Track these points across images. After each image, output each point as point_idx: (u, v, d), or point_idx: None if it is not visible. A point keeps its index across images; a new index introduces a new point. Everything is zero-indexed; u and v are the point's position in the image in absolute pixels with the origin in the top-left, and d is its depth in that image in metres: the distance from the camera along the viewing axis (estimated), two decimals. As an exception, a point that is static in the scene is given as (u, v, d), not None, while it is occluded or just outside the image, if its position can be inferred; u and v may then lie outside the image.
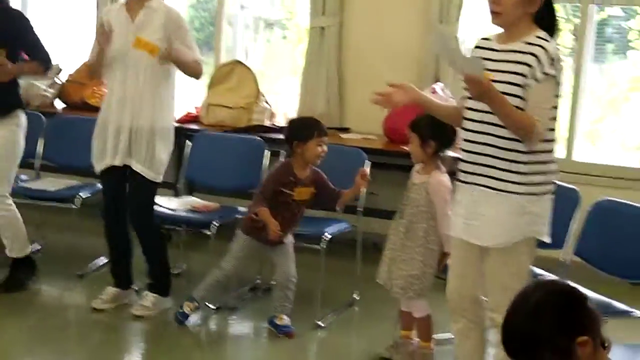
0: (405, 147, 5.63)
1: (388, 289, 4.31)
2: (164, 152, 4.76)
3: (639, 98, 6.48)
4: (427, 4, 5.98)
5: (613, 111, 6.51)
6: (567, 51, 6.03)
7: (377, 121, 5.94)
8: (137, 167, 4.69)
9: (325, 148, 4.55)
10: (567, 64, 5.95)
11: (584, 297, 2.10)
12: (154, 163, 4.70)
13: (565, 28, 6.28)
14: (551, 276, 4.07)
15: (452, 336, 3.89)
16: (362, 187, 4.65)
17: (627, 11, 6.26)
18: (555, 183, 3.52)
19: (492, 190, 3.42)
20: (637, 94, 6.47)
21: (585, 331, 2.04)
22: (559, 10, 6.05)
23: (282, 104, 6.72)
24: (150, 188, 4.76)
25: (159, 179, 4.75)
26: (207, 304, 4.79)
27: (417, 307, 4.27)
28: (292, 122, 4.77)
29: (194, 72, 4.73)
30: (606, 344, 2.09)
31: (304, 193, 4.55)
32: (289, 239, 4.67)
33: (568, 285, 2.17)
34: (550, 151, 3.49)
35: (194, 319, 4.71)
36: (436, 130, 4.07)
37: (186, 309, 4.65)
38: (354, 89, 6.35)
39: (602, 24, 6.23)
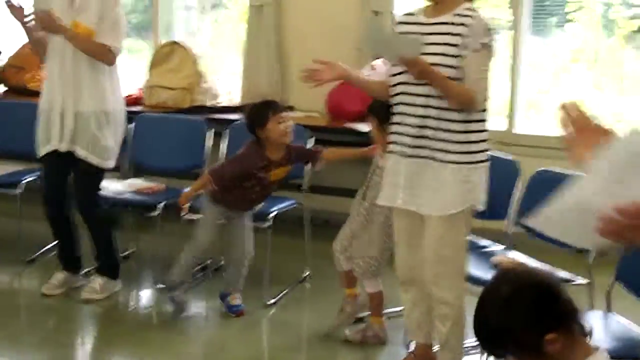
0: (348, 124, 5.71)
1: (338, 256, 4.37)
2: (110, 137, 4.73)
3: (579, 69, 6.61)
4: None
5: (555, 83, 6.64)
6: (506, 24, 6.13)
7: (320, 99, 5.98)
8: (81, 152, 4.66)
9: (288, 123, 4.46)
10: (505, 36, 6.05)
11: (556, 290, 2.05)
12: (98, 148, 4.68)
13: (503, 1, 6.40)
14: (504, 252, 4.17)
15: (402, 307, 3.98)
16: (368, 153, 4.56)
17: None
18: (488, 151, 3.59)
19: (433, 161, 3.50)
20: (578, 65, 6.61)
21: (556, 327, 2.00)
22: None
23: (226, 84, 6.72)
24: (95, 174, 4.73)
25: (106, 164, 4.73)
26: (158, 285, 4.79)
27: (370, 283, 4.33)
28: (247, 112, 4.73)
29: (98, 56, 4.62)
30: (587, 332, 2.05)
31: (280, 173, 4.54)
32: (249, 215, 4.67)
33: (540, 277, 2.10)
34: (484, 120, 3.57)
35: (144, 300, 4.72)
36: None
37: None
38: (295, 67, 6.35)
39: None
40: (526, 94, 6.34)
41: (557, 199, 1.62)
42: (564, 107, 1.90)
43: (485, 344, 2.14)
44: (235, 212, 4.60)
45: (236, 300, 4.66)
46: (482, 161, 3.56)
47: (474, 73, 3.43)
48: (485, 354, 2.16)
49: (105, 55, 4.62)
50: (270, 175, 4.48)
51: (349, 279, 4.44)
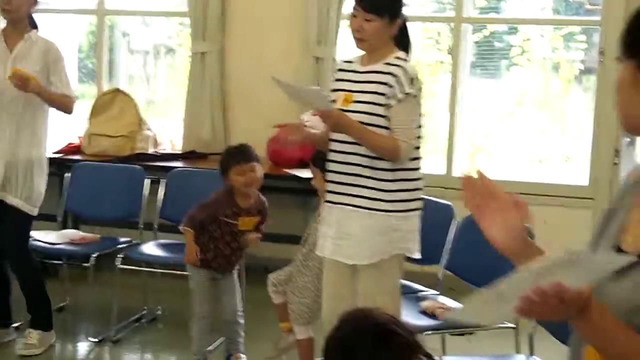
0: (288, 170, 5.70)
1: (270, 288, 4.36)
2: (41, 184, 4.68)
3: (524, 113, 6.67)
4: (305, 28, 6.03)
5: (501, 126, 6.68)
6: (446, 68, 6.18)
7: (260, 146, 5.95)
8: (13, 201, 4.59)
9: (252, 175, 4.32)
10: (446, 81, 6.09)
11: (393, 327, 2.04)
12: (31, 196, 4.61)
13: (443, 46, 6.45)
14: (434, 297, 4.14)
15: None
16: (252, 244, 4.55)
17: (510, 27, 6.44)
18: (422, 199, 3.58)
19: (360, 209, 3.49)
20: (522, 109, 6.66)
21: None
22: (433, 30, 6.29)
23: (169, 131, 6.70)
24: (26, 222, 4.66)
25: (36, 212, 4.66)
26: (89, 338, 4.71)
27: (300, 330, 4.28)
28: (223, 153, 4.64)
29: (60, 106, 4.63)
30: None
31: (248, 223, 4.44)
32: (235, 273, 4.58)
33: (376, 317, 2.10)
34: (417, 169, 3.57)
35: (81, 353, 4.64)
36: None
37: None
38: (238, 114, 6.36)
39: (489, 38, 6.40)
40: (472, 138, 6.37)
41: (477, 294, 1.59)
42: (465, 178, 1.75)
43: None
44: (218, 272, 4.50)
45: (241, 358, 4.54)
46: (413, 209, 3.55)
47: (400, 123, 3.45)
48: None
49: (68, 105, 4.61)
50: (239, 222, 4.40)
51: (282, 313, 4.39)
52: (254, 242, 4.48)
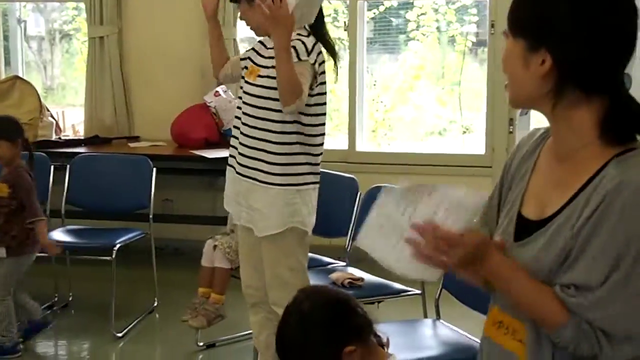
0: (194, 151, 5.73)
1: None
2: None
3: (423, 86, 6.83)
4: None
5: (401, 100, 6.83)
6: (343, 45, 6.29)
7: (165, 128, 5.99)
8: None
9: None
10: (345, 58, 6.19)
11: (351, 306, 2.14)
12: None
13: (340, 24, 6.56)
14: (343, 269, 4.25)
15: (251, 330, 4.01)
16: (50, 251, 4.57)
17: (405, 3, 6.58)
18: (319, 174, 3.65)
19: (257, 182, 3.56)
20: (421, 82, 6.83)
21: (354, 340, 2.08)
22: (330, 7, 6.38)
23: (74, 117, 6.64)
24: None
25: None
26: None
27: (223, 261, 4.34)
28: None
29: None
30: (385, 342, 2.16)
31: None
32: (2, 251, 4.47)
33: (336, 294, 2.21)
34: (315, 145, 3.61)
35: None
36: None
37: None
38: (140, 97, 6.35)
39: (385, 14, 6.52)
40: (373, 113, 6.50)
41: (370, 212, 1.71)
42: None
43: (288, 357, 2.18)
44: None
45: None
46: (308, 183, 3.61)
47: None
48: None
49: None
50: None
51: (207, 277, 4.44)
52: (51, 249, 4.51)
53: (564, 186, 1.64)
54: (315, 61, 3.53)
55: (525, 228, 1.69)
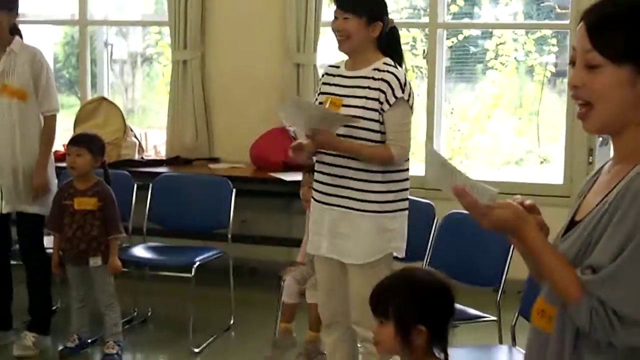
0: (272, 174, 5.82)
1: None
2: (53, 184, 4.84)
3: (500, 115, 6.84)
4: (284, 34, 6.15)
5: (478, 129, 6.84)
6: (422, 73, 6.33)
7: (245, 150, 6.09)
8: (33, 209, 4.74)
9: (74, 158, 4.62)
10: (423, 86, 6.24)
11: (451, 297, 2.35)
12: (46, 199, 4.75)
13: (419, 52, 6.61)
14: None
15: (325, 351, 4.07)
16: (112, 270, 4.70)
17: (484, 32, 6.61)
18: (408, 200, 3.71)
19: (351, 210, 3.61)
20: (499, 112, 6.83)
21: (430, 324, 2.26)
22: (409, 35, 6.44)
23: (154, 138, 6.80)
24: (42, 223, 4.80)
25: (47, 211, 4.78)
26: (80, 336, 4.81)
27: (311, 294, 4.36)
28: None
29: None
30: (445, 350, 2.32)
31: (85, 203, 4.62)
32: (98, 260, 4.65)
33: (448, 280, 2.40)
34: (405, 170, 3.69)
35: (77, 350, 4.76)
36: None
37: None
38: (221, 119, 6.47)
39: (464, 42, 6.56)
40: (449, 141, 6.52)
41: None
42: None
43: (377, 296, 2.40)
44: (70, 261, 4.70)
45: (109, 348, 4.71)
46: (401, 209, 3.67)
47: (394, 127, 3.56)
48: (372, 307, 2.41)
49: (52, 127, 4.79)
50: (75, 202, 4.61)
51: (290, 313, 4.52)
52: (113, 268, 4.64)
53: (606, 188, 1.76)
54: (410, 95, 3.59)
55: (570, 227, 1.84)
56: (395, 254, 3.72)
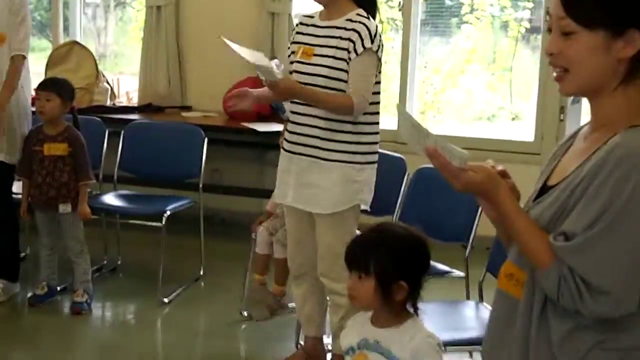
0: (245, 124, 5.80)
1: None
2: (24, 132, 4.75)
3: (474, 70, 6.83)
4: (260, -18, 6.10)
5: (451, 84, 6.84)
6: (397, 26, 6.30)
7: (217, 99, 6.05)
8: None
9: (42, 103, 4.57)
10: (397, 39, 6.22)
11: (427, 252, 2.38)
12: (14, 147, 4.68)
13: (394, 3, 6.57)
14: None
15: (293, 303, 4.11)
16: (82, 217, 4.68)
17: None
18: (377, 153, 3.72)
19: (320, 160, 3.62)
20: (472, 67, 6.82)
21: (408, 280, 2.30)
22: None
23: (127, 84, 6.74)
24: (9, 172, 4.74)
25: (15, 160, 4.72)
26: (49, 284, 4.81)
27: (280, 250, 4.38)
28: None
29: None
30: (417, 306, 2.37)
31: (55, 148, 4.60)
32: (68, 207, 4.64)
33: (425, 237, 2.42)
34: (375, 123, 3.70)
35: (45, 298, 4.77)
36: None
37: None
38: (194, 68, 6.42)
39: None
40: (422, 94, 6.51)
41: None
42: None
43: (357, 251, 2.40)
44: (39, 208, 4.69)
45: (79, 297, 4.72)
46: (370, 162, 3.69)
47: (356, 77, 3.55)
48: (349, 262, 2.43)
49: (18, 70, 4.63)
50: (45, 148, 4.58)
51: (264, 264, 4.53)
52: (83, 215, 4.63)
53: (583, 154, 1.76)
54: (379, 47, 3.57)
55: (542, 192, 1.84)
56: (362, 207, 3.74)
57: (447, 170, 1.78)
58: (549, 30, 1.77)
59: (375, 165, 3.73)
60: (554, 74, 1.78)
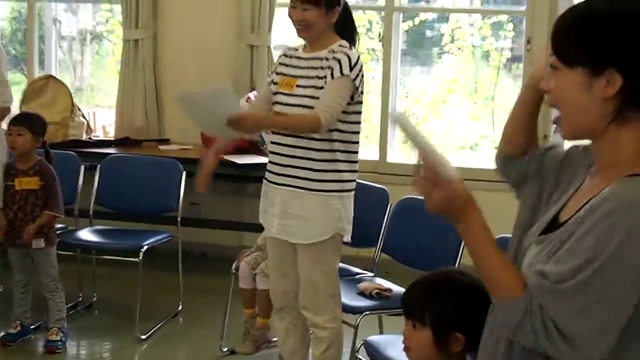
0: (224, 156, 5.71)
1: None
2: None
3: (456, 100, 6.80)
4: (238, 15, 6.05)
5: (433, 113, 6.80)
6: (378, 56, 6.27)
7: (195, 132, 5.97)
8: None
9: (14, 138, 4.50)
10: (378, 69, 6.18)
11: (487, 300, 2.12)
12: None
13: (374, 34, 6.55)
14: (372, 279, 4.24)
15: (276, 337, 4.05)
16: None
17: (440, 16, 6.56)
18: (355, 182, 3.70)
19: (299, 190, 3.61)
20: (454, 96, 6.79)
21: (467, 332, 2.13)
22: (365, 18, 6.38)
23: (103, 118, 6.67)
24: None
25: None
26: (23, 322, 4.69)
27: (263, 281, 4.30)
28: None
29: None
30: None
31: (26, 182, 4.53)
32: (41, 242, 4.54)
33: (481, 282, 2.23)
34: (354, 152, 3.68)
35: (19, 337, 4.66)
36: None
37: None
38: (171, 100, 6.34)
39: (420, 27, 6.50)
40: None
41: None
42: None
43: (412, 299, 2.26)
44: (9, 244, 4.60)
45: (53, 335, 4.62)
46: (347, 190, 3.67)
47: (326, 95, 3.53)
48: (404, 310, 2.29)
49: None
50: (16, 183, 4.52)
51: (251, 298, 4.45)
52: (27, 233, 4.49)
53: (586, 196, 1.70)
54: (357, 76, 3.57)
55: (549, 229, 1.76)
56: (344, 239, 3.71)
57: (434, 175, 1.75)
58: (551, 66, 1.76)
59: (352, 194, 3.71)
60: (553, 118, 1.76)
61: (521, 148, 2.05)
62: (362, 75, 3.60)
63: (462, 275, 2.30)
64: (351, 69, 3.54)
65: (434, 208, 1.74)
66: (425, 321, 2.20)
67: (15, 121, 4.60)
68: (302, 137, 3.58)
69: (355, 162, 3.70)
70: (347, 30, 3.70)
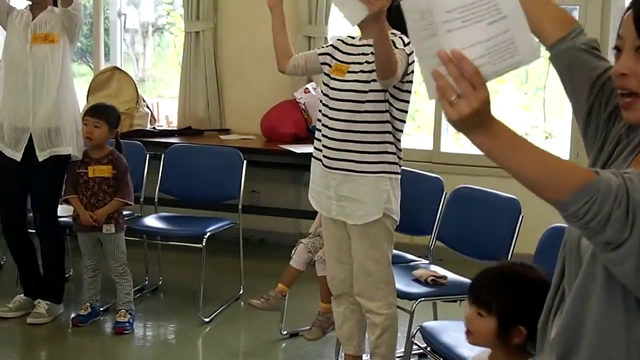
0: (282, 145, 5.88)
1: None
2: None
3: (507, 90, 6.86)
4: (296, 6, 6.18)
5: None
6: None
7: (255, 122, 6.16)
8: (63, 150, 4.74)
9: (90, 129, 4.67)
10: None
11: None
12: (80, 143, 4.81)
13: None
14: (426, 266, 4.34)
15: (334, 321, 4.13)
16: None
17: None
18: (400, 166, 3.78)
19: (351, 173, 3.70)
20: (505, 86, 6.86)
21: (529, 324, 2.19)
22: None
23: (165, 108, 6.86)
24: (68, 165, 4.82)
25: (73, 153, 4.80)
26: (92, 304, 4.90)
27: (321, 267, 4.36)
28: None
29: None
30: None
31: (100, 170, 4.71)
32: (111, 228, 4.75)
33: (546, 277, 2.27)
34: (399, 140, 3.76)
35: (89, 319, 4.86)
36: None
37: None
38: (232, 91, 6.52)
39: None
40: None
41: None
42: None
43: (480, 287, 2.35)
44: (89, 233, 4.78)
45: (121, 317, 4.81)
46: (397, 173, 3.76)
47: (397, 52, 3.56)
48: (470, 295, 2.40)
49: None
50: (89, 170, 4.70)
51: (292, 278, 4.56)
52: (85, 220, 4.69)
53: None
54: (410, 53, 3.61)
55: None
56: (394, 218, 3.77)
57: (471, 75, 1.45)
58: (616, 49, 1.67)
59: (399, 177, 3.77)
60: (620, 101, 1.66)
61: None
62: (413, 61, 3.62)
63: (528, 269, 2.37)
64: (405, 45, 3.59)
65: (466, 110, 1.47)
66: (491, 310, 2.29)
67: (93, 112, 4.77)
68: (355, 122, 3.65)
69: (400, 149, 3.76)
70: (399, 24, 3.76)
